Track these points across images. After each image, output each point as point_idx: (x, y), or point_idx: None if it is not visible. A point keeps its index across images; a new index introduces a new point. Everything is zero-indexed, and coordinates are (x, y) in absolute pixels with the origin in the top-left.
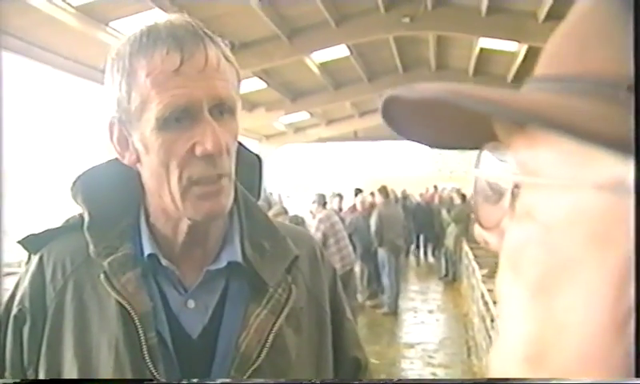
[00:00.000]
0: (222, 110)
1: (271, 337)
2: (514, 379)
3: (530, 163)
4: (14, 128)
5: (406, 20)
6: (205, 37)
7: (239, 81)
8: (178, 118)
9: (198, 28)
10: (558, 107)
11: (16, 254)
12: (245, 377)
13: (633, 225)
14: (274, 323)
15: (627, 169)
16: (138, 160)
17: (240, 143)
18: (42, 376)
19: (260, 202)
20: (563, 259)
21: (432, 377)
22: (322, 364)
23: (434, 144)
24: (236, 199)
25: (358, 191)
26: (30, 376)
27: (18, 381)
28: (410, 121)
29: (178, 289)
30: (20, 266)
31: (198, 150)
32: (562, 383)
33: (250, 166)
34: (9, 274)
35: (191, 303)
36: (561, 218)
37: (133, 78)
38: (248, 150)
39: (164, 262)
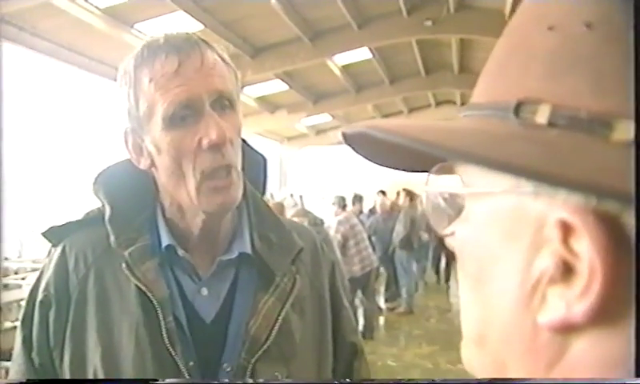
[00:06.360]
0: (223, 104)
1: (278, 322)
2: (515, 379)
3: (464, 177)
4: (37, 126)
5: (429, 23)
6: (200, 42)
7: (238, 81)
8: (183, 117)
9: (193, 35)
10: (454, 139)
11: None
12: (254, 358)
13: (634, 225)
14: (281, 309)
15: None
16: (153, 164)
17: (245, 142)
18: (67, 357)
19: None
20: (489, 253)
21: None
22: (323, 347)
23: (394, 167)
24: (245, 195)
25: (382, 193)
26: (56, 357)
27: (23, 381)
28: (371, 149)
29: (192, 277)
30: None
31: (205, 142)
32: (562, 383)
33: (256, 164)
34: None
35: (205, 291)
36: (484, 219)
37: (138, 86)
38: (254, 149)
39: (181, 252)
